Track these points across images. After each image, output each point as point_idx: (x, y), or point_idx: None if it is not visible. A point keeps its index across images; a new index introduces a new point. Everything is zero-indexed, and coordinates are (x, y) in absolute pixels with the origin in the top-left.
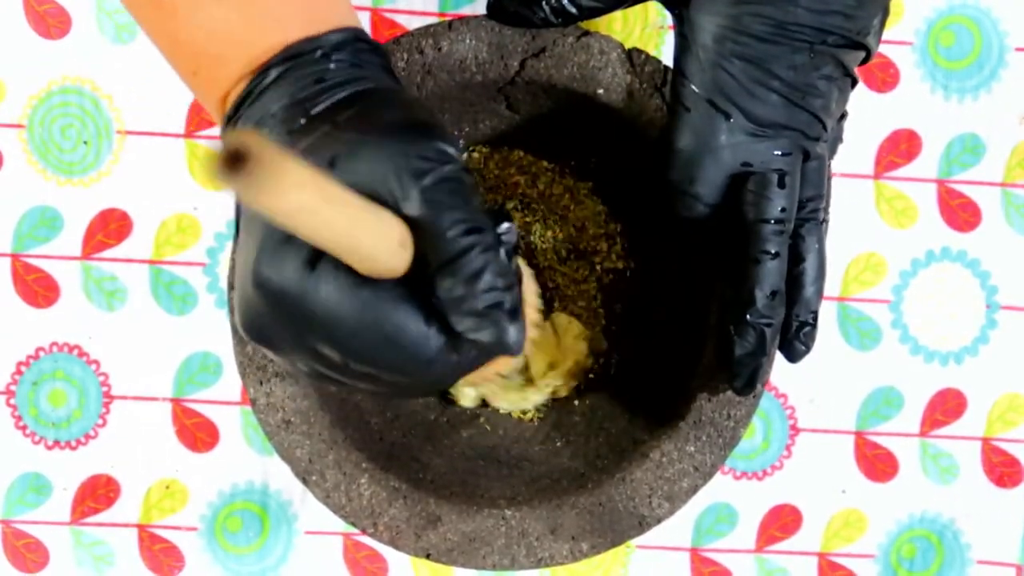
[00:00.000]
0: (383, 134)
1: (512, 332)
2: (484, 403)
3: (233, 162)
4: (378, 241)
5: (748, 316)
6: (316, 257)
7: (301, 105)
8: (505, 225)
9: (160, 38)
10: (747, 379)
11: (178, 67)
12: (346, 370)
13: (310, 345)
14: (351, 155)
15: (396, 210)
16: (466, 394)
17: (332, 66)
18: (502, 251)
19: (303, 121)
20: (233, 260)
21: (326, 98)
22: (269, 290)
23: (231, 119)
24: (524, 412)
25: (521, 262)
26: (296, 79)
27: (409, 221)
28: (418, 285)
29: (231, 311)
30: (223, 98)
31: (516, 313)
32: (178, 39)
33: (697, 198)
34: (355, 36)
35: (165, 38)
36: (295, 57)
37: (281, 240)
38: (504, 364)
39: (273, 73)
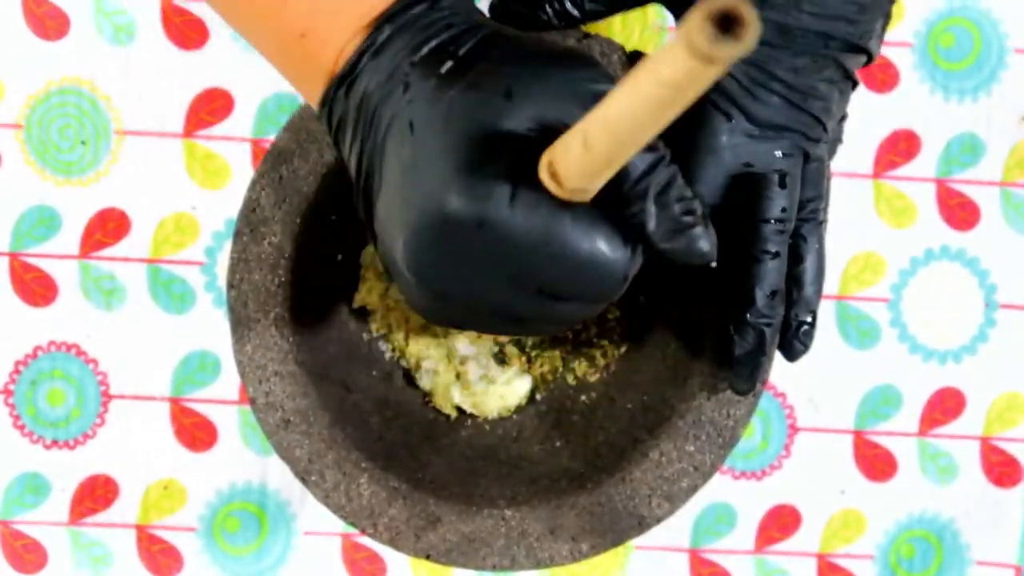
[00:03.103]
0: (550, 64)
1: (705, 240)
2: (462, 412)
3: (725, 25)
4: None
5: (748, 315)
6: (516, 182)
7: (444, 49)
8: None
9: (260, 4)
10: (747, 378)
11: (278, 33)
12: (536, 301)
13: (506, 276)
14: (527, 85)
15: None
16: (449, 400)
17: (448, 12)
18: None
19: (451, 63)
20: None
21: (467, 39)
22: (465, 221)
23: (346, 78)
24: (516, 406)
25: None
26: (423, 27)
27: None
28: (602, 206)
29: (230, 309)
30: (336, 58)
31: (707, 219)
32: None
33: (698, 198)
34: None
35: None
36: (409, 7)
37: (475, 167)
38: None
39: (396, 22)
